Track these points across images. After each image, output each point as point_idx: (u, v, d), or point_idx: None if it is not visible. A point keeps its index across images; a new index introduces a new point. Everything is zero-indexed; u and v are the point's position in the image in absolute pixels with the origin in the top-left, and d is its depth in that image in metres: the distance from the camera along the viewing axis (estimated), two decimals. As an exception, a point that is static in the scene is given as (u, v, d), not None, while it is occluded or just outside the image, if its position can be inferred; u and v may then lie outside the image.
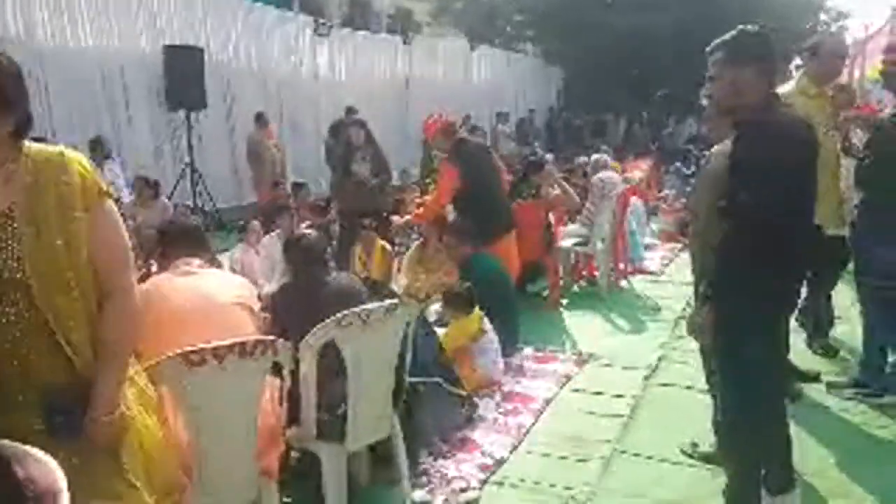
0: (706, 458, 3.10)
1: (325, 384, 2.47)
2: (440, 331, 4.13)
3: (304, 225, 6.99)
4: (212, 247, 2.83)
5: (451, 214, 5.89)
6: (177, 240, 2.52)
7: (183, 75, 8.71)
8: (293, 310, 2.65)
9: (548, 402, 3.87)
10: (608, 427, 3.54)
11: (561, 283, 6.16)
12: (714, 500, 2.63)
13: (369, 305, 2.47)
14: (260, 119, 9.36)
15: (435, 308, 4.65)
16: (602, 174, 6.33)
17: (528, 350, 4.65)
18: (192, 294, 2.33)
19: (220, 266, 3.42)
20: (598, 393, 3.99)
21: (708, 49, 2.46)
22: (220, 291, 2.37)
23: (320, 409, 2.48)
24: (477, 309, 4.15)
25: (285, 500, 2.60)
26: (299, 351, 2.37)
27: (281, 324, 2.63)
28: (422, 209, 5.52)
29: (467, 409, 3.59)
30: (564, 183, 6.07)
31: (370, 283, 3.60)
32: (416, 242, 5.78)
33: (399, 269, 5.68)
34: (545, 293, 5.87)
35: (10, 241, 1.52)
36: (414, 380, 3.20)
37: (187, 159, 8.99)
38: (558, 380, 4.15)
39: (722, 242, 2.28)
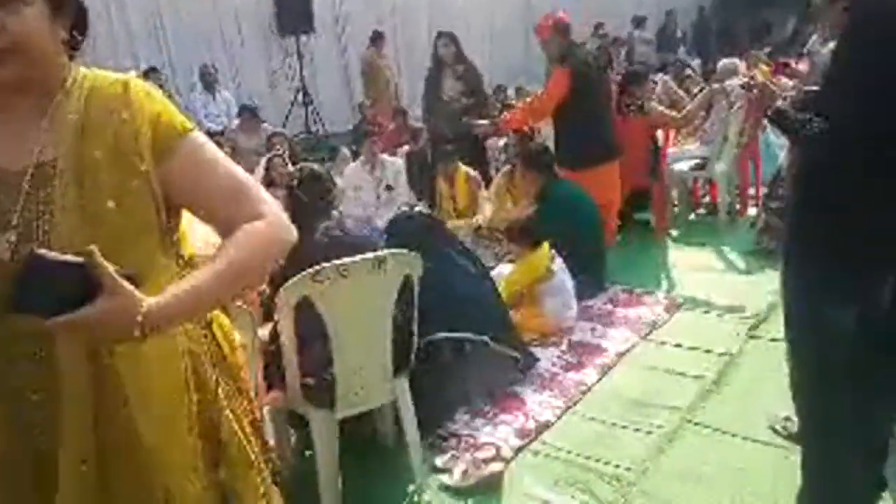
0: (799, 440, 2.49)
1: (309, 345, 2.19)
2: (505, 269, 3.74)
3: (402, 151, 6.74)
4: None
5: (539, 136, 5.35)
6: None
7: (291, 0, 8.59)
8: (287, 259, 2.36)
9: (620, 355, 3.36)
10: (684, 391, 3.00)
11: (675, 210, 5.44)
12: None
13: (348, 259, 2.11)
14: (376, 39, 9.05)
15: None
16: (728, 82, 5.37)
17: (614, 291, 4.11)
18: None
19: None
20: (686, 347, 3.41)
21: None
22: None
23: (305, 372, 2.21)
24: (546, 245, 3.66)
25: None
26: (276, 308, 2.10)
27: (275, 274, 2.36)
28: (516, 112, 4.93)
29: (522, 364, 3.19)
30: (678, 95, 5.23)
31: (426, 220, 3.23)
32: (505, 168, 5.29)
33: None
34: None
35: (47, 207, 1.06)
36: (457, 336, 2.88)
37: (299, 84, 8.96)
38: (640, 328, 3.61)
39: (803, 171, 1.66)
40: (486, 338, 2.96)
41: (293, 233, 1.19)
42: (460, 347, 2.91)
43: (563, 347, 3.45)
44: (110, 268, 0.95)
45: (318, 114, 9.01)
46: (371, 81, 9.00)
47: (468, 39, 10.67)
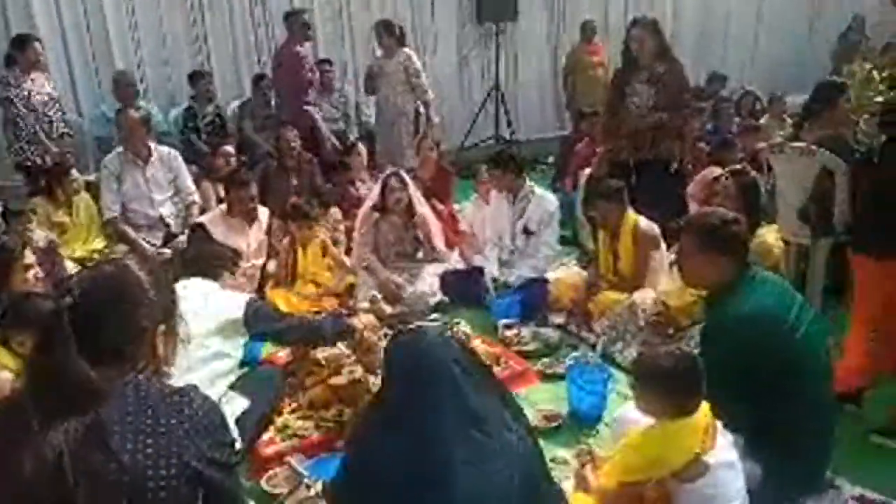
0: None
1: None
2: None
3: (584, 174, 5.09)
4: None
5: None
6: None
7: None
8: None
9: None
10: None
11: None
12: None
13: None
14: (585, 29, 7.47)
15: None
16: None
17: (845, 500, 2.18)
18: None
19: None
20: None
21: None
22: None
23: None
24: (706, 407, 1.93)
25: None
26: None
27: None
28: None
29: None
30: None
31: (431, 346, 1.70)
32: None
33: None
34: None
35: None
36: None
37: (492, 81, 7.68)
38: None
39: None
40: None
41: None
42: None
43: None
44: None
45: (508, 115, 7.65)
46: (568, 81, 7.48)
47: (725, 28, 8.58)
